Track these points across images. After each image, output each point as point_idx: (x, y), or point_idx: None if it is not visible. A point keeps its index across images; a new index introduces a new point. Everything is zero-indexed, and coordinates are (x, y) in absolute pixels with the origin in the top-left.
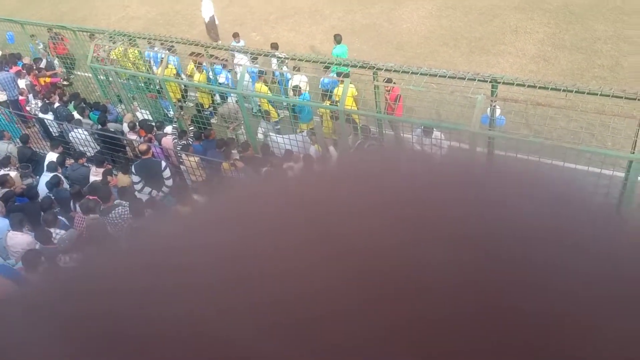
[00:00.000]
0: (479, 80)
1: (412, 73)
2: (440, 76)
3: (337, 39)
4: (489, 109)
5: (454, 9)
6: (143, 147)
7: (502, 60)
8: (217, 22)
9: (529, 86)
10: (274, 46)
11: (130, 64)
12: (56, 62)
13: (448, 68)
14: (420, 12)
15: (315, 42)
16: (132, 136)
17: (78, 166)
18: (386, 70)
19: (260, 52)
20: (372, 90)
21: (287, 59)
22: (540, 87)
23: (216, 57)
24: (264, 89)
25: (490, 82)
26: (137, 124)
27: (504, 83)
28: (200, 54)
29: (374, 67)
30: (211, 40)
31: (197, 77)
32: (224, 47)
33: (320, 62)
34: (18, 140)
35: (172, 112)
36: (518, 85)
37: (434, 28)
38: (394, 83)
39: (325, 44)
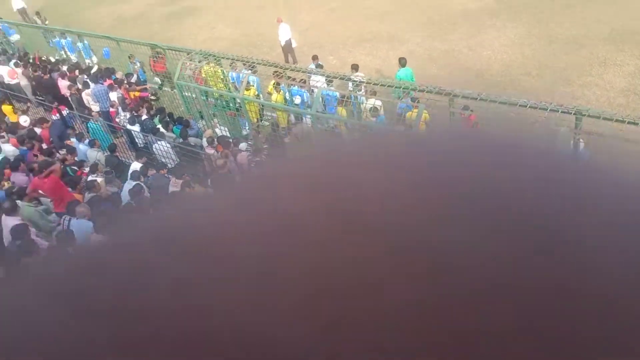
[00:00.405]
0: (562, 111)
1: (491, 101)
2: (520, 105)
3: (402, 62)
4: (572, 142)
5: (537, 37)
6: (220, 161)
7: (588, 92)
8: (294, 46)
9: (616, 120)
10: (354, 67)
11: (215, 83)
12: (156, 78)
13: (529, 98)
14: (502, 40)
15: (393, 66)
16: (210, 151)
17: (159, 176)
18: (463, 97)
19: (336, 75)
20: (449, 116)
21: (362, 82)
22: (629, 122)
23: (293, 79)
24: (343, 112)
25: (574, 114)
26: (216, 139)
27: (589, 116)
28: (280, 74)
29: (450, 94)
30: (289, 64)
31: (275, 97)
32: (301, 69)
33: (396, 87)
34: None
35: (247, 130)
36: (605, 119)
37: (515, 56)
38: (471, 111)
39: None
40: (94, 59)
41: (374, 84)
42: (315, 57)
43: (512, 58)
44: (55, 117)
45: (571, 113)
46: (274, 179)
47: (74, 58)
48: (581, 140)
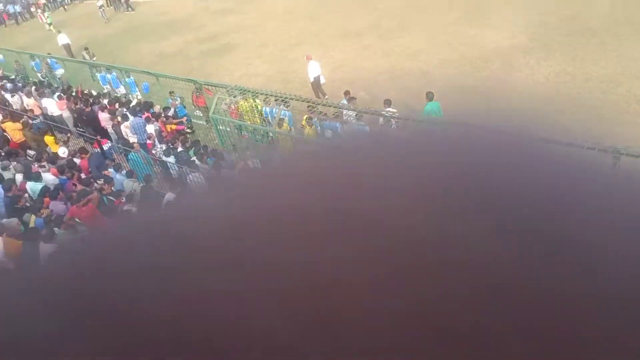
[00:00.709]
0: (599, 149)
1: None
2: (555, 143)
3: (429, 96)
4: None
5: (572, 75)
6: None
7: (626, 130)
8: (322, 82)
9: None
10: (387, 102)
11: (250, 118)
12: (197, 112)
13: (564, 136)
14: (536, 78)
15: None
16: None
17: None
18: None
19: (367, 110)
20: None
21: (393, 117)
22: None
23: (325, 114)
24: None
25: (612, 152)
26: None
27: (627, 155)
28: (313, 109)
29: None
30: (319, 98)
31: (307, 130)
32: (333, 104)
33: (428, 122)
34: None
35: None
36: None
37: (550, 94)
38: None
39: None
40: (138, 94)
41: (404, 119)
42: (347, 92)
43: (546, 96)
44: (96, 149)
45: (608, 151)
46: (270, 180)
47: (119, 92)
48: None
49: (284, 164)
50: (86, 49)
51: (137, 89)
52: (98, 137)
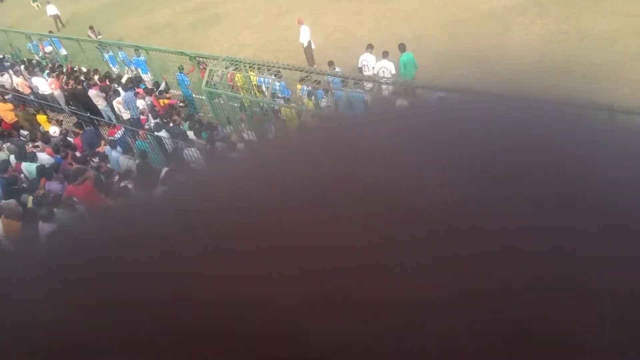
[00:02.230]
0: (595, 108)
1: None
2: (551, 103)
3: (402, 48)
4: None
5: (567, 34)
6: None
7: (623, 88)
8: (313, 47)
9: None
10: (369, 47)
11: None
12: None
13: (561, 95)
14: (531, 37)
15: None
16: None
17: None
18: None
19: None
20: None
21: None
22: None
23: (318, 82)
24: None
25: (607, 110)
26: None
27: (623, 112)
28: (306, 79)
29: (477, 94)
30: (308, 65)
31: (306, 102)
32: (326, 72)
33: (423, 88)
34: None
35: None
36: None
37: (545, 53)
38: None
39: (429, 68)
40: (149, 74)
41: (391, 84)
42: (331, 63)
43: (542, 55)
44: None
45: (604, 109)
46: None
47: (130, 72)
48: None
49: (295, 138)
50: (91, 27)
51: (147, 69)
52: (113, 124)
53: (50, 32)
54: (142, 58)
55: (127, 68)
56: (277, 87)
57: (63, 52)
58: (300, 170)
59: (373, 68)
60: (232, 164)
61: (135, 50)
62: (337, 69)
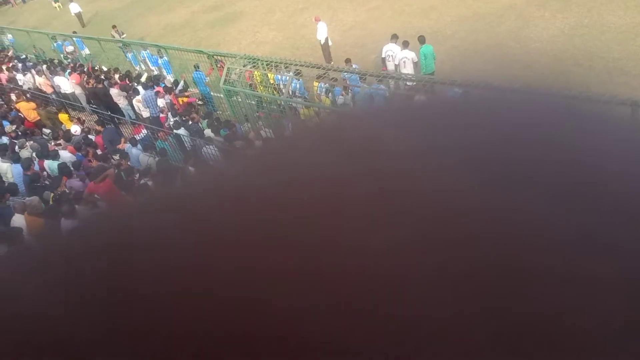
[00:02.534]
0: (616, 103)
1: (540, 94)
2: (571, 98)
3: (421, 40)
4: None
5: (589, 27)
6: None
7: None
8: (330, 44)
9: None
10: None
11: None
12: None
13: (581, 90)
14: (551, 31)
15: (436, 62)
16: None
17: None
18: (510, 92)
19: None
20: None
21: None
22: None
23: (335, 80)
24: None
25: (630, 105)
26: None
27: None
28: (323, 77)
29: (495, 89)
30: (326, 62)
31: (324, 100)
32: (343, 69)
33: (441, 83)
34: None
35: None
36: None
37: (566, 48)
38: None
39: (447, 63)
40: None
41: (412, 80)
42: (348, 60)
43: (562, 50)
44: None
45: (626, 104)
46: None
47: (154, 72)
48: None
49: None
50: (114, 26)
51: (171, 71)
52: (138, 122)
53: (74, 32)
54: (165, 58)
55: (150, 68)
56: (297, 86)
57: (86, 51)
58: (315, 169)
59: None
60: (249, 161)
61: (157, 50)
62: (354, 66)
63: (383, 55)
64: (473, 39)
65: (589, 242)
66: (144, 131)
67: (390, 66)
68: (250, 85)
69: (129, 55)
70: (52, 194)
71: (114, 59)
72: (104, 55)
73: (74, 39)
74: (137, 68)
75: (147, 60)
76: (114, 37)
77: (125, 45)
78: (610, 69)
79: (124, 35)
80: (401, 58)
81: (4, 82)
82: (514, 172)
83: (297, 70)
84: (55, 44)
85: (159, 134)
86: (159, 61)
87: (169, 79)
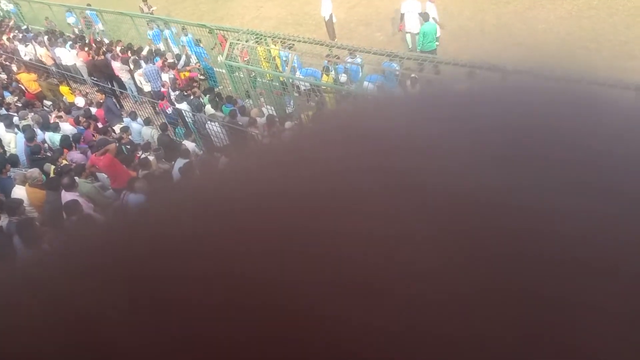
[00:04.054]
0: (621, 87)
1: (545, 77)
2: (576, 81)
3: (424, 17)
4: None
5: (597, 9)
6: (267, 140)
7: None
8: (334, 21)
9: None
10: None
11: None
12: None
13: (587, 73)
14: (559, 13)
15: (442, 43)
16: (255, 130)
17: (208, 156)
18: (515, 73)
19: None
20: None
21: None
22: None
23: (338, 57)
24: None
25: (634, 89)
26: (265, 118)
27: None
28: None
29: (501, 70)
30: (329, 39)
31: (324, 78)
32: (347, 47)
33: (445, 64)
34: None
35: (292, 108)
36: None
37: (572, 30)
38: None
39: (452, 43)
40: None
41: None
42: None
43: (568, 31)
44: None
45: (631, 88)
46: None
47: (176, 51)
48: None
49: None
50: (144, 0)
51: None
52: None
53: (88, 4)
54: (189, 37)
55: (173, 46)
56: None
57: (100, 27)
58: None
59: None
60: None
61: (182, 28)
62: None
63: (402, 12)
64: (479, 18)
65: None
66: (171, 108)
67: (409, 24)
68: (248, 62)
69: (150, 32)
70: (52, 167)
71: (133, 37)
72: (124, 29)
73: (87, 12)
74: (159, 46)
75: (169, 40)
76: (142, 10)
77: (150, 21)
78: (617, 52)
79: (154, 9)
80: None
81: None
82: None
83: (292, 45)
84: (69, 17)
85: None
86: (183, 39)
87: (170, 54)
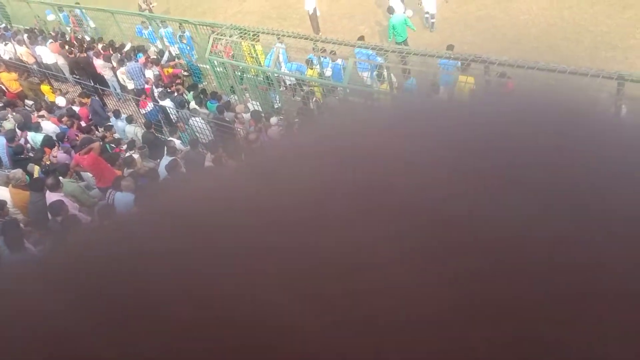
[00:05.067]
0: (603, 77)
1: (528, 68)
2: (559, 72)
3: (390, 10)
4: (613, 108)
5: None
6: (253, 136)
7: (632, 55)
8: (318, 15)
9: None
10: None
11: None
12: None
13: (569, 64)
14: (541, 4)
15: (425, 35)
16: (239, 126)
17: (194, 153)
18: (499, 64)
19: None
20: (483, 85)
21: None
22: None
23: (324, 50)
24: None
25: (616, 79)
26: (250, 114)
27: (632, 81)
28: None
29: (485, 61)
30: (314, 33)
31: (308, 72)
32: (332, 40)
33: (429, 56)
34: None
35: (278, 104)
36: None
37: (555, 21)
38: (509, 78)
39: (436, 37)
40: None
41: (406, 53)
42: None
43: (550, 22)
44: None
45: (613, 78)
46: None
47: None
48: (623, 106)
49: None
50: None
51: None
52: (144, 96)
53: (77, 2)
54: (188, 33)
55: (167, 46)
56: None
57: (91, 24)
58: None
59: None
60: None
61: (179, 25)
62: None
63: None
64: (463, 10)
65: None
66: (150, 105)
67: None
68: (233, 57)
69: (145, 32)
70: (37, 167)
71: (127, 36)
72: (112, 29)
73: (77, 10)
74: (155, 46)
75: (165, 38)
76: (140, 7)
77: (145, 20)
78: (599, 42)
79: (154, 5)
80: None
81: None
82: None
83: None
84: (62, 14)
85: (178, 125)
86: (162, 32)
87: (153, 49)
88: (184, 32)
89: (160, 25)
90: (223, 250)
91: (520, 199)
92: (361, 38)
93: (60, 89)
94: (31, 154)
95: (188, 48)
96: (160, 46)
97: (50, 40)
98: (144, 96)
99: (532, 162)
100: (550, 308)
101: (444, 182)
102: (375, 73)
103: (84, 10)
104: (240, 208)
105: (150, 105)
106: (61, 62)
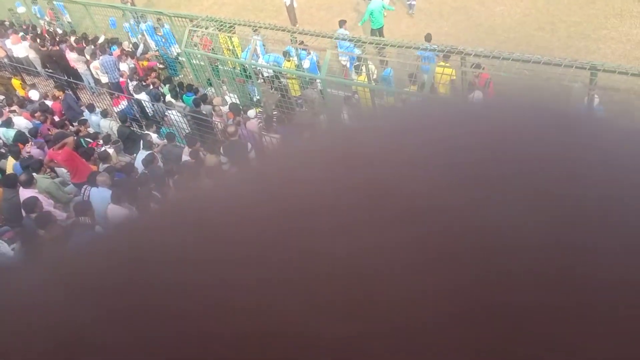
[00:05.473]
0: (576, 67)
1: (503, 59)
2: (534, 62)
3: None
4: (586, 98)
5: None
6: (232, 129)
7: (604, 46)
8: (295, 6)
9: (632, 74)
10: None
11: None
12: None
13: (543, 54)
14: None
15: (402, 26)
16: (217, 119)
17: (172, 146)
18: (475, 55)
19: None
20: (460, 76)
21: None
22: None
23: (302, 42)
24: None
25: (589, 69)
26: (228, 106)
27: (604, 71)
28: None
29: (462, 52)
30: (291, 25)
31: (285, 64)
32: (309, 32)
33: (406, 47)
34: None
35: (257, 97)
36: (620, 73)
37: (529, 11)
38: (484, 69)
39: (412, 28)
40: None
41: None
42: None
43: (525, 13)
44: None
45: (586, 68)
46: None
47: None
48: (596, 95)
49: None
50: None
51: (175, 41)
52: (117, 94)
53: None
54: (167, 28)
55: (149, 41)
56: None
57: (67, 18)
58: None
59: None
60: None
61: (157, 19)
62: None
63: None
64: (439, 1)
65: None
66: (124, 102)
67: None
68: (212, 49)
69: (126, 25)
70: (10, 162)
71: (102, 28)
72: (90, 22)
73: (55, 2)
74: (135, 40)
75: (146, 33)
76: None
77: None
78: (572, 32)
79: None
80: None
81: None
82: None
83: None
84: (35, 8)
85: (165, 120)
86: (142, 26)
87: (174, 51)
88: (163, 26)
89: (140, 19)
90: (235, 259)
91: (523, 204)
92: (343, 22)
93: (33, 83)
94: (2, 150)
95: (164, 40)
96: (135, 40)
97: (14, 34)
98: (116, 94)
99: (536, 167)
100: (553, 315)
101: (446, 187)
102: (354, 64)
103: (62, 3)
104: (247, 215)
105: (123, 103)
106: (32, 55)
